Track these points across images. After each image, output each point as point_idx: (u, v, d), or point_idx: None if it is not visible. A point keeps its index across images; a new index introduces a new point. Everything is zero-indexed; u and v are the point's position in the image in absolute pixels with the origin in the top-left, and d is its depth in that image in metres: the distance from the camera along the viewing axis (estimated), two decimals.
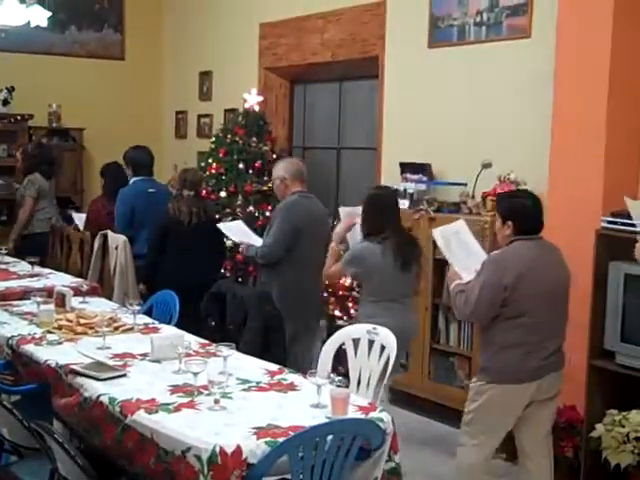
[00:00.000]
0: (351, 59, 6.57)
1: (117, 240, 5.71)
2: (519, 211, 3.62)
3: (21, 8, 5.59)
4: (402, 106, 6.03)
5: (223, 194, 6.42)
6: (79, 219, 6.50)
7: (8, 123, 7.48)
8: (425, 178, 5.50)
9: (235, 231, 5.15)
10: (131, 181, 6.06)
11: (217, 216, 5.86)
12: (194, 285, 4.98)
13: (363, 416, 2.82)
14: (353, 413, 2.82)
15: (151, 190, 5.98)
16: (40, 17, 5.75)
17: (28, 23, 5.81)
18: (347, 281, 5.96)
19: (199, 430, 2.67)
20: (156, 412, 2.86)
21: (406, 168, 5.60)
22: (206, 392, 3.01)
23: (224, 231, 5.16)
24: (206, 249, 5.24)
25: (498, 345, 3.56)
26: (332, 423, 2.68)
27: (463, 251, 3.80)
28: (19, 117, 7.51)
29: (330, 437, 2.58)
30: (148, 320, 4.31)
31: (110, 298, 5.30)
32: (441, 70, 5.68)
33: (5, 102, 7.52)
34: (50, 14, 5.92)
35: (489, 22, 5.32)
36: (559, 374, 3.67)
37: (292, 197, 4.90)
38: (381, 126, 6.25)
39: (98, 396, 3.07)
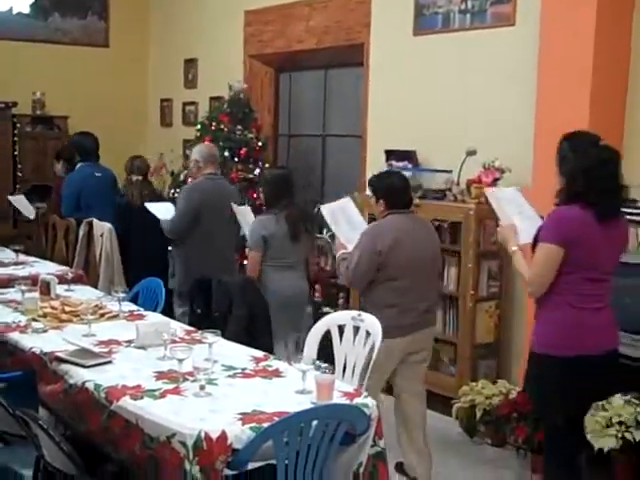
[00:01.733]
0: (336, 46, 6.57)
1: (102, 228, 5.71)
2: (389, 189, 4.10)
3: None
4: (387, 93, 6.04)
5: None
6: (18, 202, 6.72)
7: None
8: (410, 165, 5.51)
9: (161, 209, 5.41)
10: (77, 166, 6.47)
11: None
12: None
13: (348, 402, 2.83)
14: (338, 399, 2.84)
15: (97, 174, 6.40)
16: (22, 3, 5.71)
17: (10, 9, 5.77)
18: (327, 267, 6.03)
19: (184, 416, 2.68)
20: (141, 398, 2.87)
21: (391, 155, 5.61)
22: (191, 378, 3.02)
23: (152, 210, 5.37)
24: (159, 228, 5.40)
25: (378, 305, 3.97)
26: (317, 409, 2.69)
27: (348, 225, 4.24)
28: (3, 105, 7.46)
29: (315, 422, 2.59)
30: (133, 307, 4.32)
31: (96, 286, 5.31)
32: (426, 58, 5.69)
33: None
34: (33, 1, 5.88)
35: (474, 10, 5.33)
36: (430, 330, 4.17)
37: (198, 179, 5.30)
38: (366, 113, 6.25)
39: (83, 383, 3.07)
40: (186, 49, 8.12)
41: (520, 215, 3.56)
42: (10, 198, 6.96)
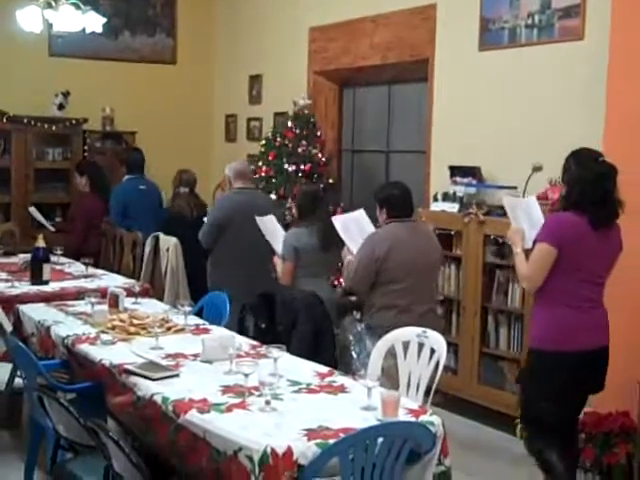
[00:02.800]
0: (400, 62, 6.57)
1: (168, 242, 5.80)
2: (389, 199, 4.44)
3: (77, 14, 5.69)
4: (452, 109, 6.01)
5: (273, 197, 6.47)
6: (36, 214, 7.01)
7: (63, 127, 7.62)
8: (474, 181, 5.48)
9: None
10: (125, 178, 6.88)
11: None
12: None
13: (413, 419, 2.82)
14: (404, 416, 2.83)
15: (142, 187, 6.83)
16: (95, 23, 5.85)
17: (83, 30, 5.92)
18: None
19: (250, 431, 2.70)
20: (208, 412, 2.90)
21: (455, 171, 5.58)
22: (257, 393, 3.04)
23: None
24: None
25: (376, 307, 4.33)
26: (383, 426, 2.69)
27: (360, 234, 4.49)
28: (74, 121, 7.65)
29: (381, 439, 2.59)
30: (199, 321, 4.36)
31: (161, 299, 5.39)
32: (492, 73, 5.65)
33: (61, 106, 7.67)
34: (105, 20, 6.02)
35: (540, 24, 5.28)
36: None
37: (227, 193, 5.78)
38: (430, 129, 6.24)
39: (151, 395, 3.12)
40: (251, 65, 8.22)
41: (530, 222, 3.87)
42: (30, 210, 7.18)
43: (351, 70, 7.18)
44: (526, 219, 3.90)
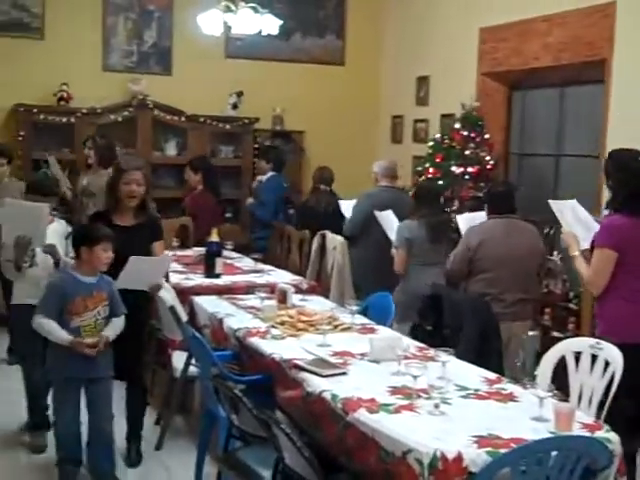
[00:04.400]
0: (574, 63, 6.35)
1: (335, 241, 5.88)
2: (491, 198, 4.96)
3: (255, 17, 5.88)
4: (631, 112, 5.75)
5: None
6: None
7: (236, 126, 7.89)
8: None
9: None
10: (270, 175, 7.26)
11: None
12: None
13: (589, 434, 2.73)
14: (578, 430, 2.75)
15: (285, 185, 7.42)
16: (271, 26, 6.02)
17: (260, 32, 6.11)
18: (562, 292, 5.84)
19: (419, 433, 2.71)
20: (377, 412, 2.93)
21: None
22: (425, 396, 3.04)
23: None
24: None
25: (471, 293, 4.75)
26: (558, 439, 2.62)
27: (577, 222, 4.36)
28: (246, 120, 7.90)
29: (554, 453, 2.52)
30: (365, 320, 4.40)
31: (327, 297, 5.47)
32: None
33: (234, 106, 7.94)
34: (281, 22, 6.19)
35: None
36: (525, 324, 4.75)
37: (373, 189, 6.15)
38: (605, 133, 5.99)
39: (321, 392, 3.18)
40: (418, 66, 8.19)
41: (579, 223, 4.11)
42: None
43: (522, 72, 7.01)
44: (575, 221, 4.12)
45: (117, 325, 3.91)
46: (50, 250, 4.32)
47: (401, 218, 5.51)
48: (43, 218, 4.34)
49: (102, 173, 6.19)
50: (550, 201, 4.47)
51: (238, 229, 7.73)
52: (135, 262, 3.94)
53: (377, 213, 5.70)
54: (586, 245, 3.97)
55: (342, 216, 6.26)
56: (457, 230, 5.31)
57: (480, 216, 5.10)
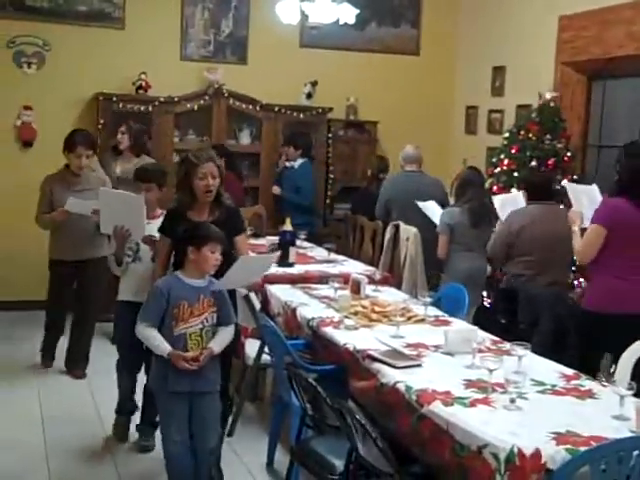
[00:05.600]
0: None
1: (409, 232, 5.86)
2: (529, 184, 5.29)
3: (332, 6, 5.87)
4: None
5: (514, 190, 6.33)
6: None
7: (310, 115, 7.89)
8: None
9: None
10: (300, 161, 7.29)
11: None
12: None
13: None
14: None
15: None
16: (349, 15, 6.00)
17: (337, 21, 6.10)
18: None
19: (495, 428, 2.68)
20: (452, 405, 2.91)
21: None
22: (501, 390, 3.01)
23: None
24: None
25: (510, 274, 5.07)
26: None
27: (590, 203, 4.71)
28: (320, 110, 7.90)
29: (636, 453, 2.47)
30: (439, 312, 4.38)
31: (399, 288, 5.46)
32: None
33: (309, 95, 7.93)
34: (358, 12, 6.16)
35: None
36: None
37: (396, 174, 6.76)
38: None
39: (395, 383, 3.18)
40: (494, 56, 8.06)
41: (590, 204, 4.43)
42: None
43: (602, 61, 6.84)
44: (589, 204, 4.47)
45: (225, 336, 3.64)
46: (147, 240, 4.24)
47: (425, 198, 6.08)
48: (140, 208, 4.26)
49: (132, 160, 6.20)
50: (566, 183, 5.09)
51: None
52: (243, 262, 3.77)
53: (421, 204, 6.03)
54: (587, 223, 4.38)
55: None
56: (496, 214, 5.55)
57: (514, 197, 5.49)
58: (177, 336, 3.51)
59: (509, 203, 5.40)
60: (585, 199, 4.59)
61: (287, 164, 7.38)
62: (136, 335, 3.62)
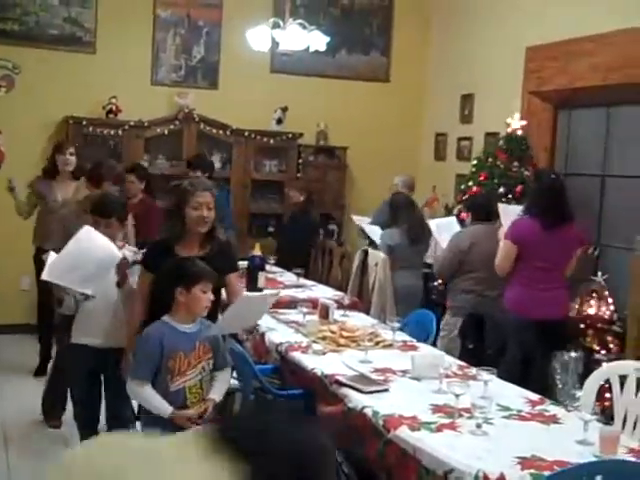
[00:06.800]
0: (622, 84, 6.29)
1: (377, 257, 5.89)
2: (472, 206, 5.68)
3: (303, 33, 5.93)
4: None
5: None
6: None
7: (280, 141, 7.93)
8: None
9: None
10: None
11: None
12: None
13: (634, 459, 2.70)
14: (623, 455, 2.72)
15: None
16: (319, 42, 6.07)
17: (307, 48, 6.15)
18: (606, 313, 5.77)
19: (461, 453, 2.70)
20: (418, 430, 2.93)
21: None
22: (467, 415, 3.03)
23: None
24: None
25: (458, 291, 5.35)
26: (602, 463, 2.60)
27: (449, 234, 5.57)
28: (290, 135, 7.95)
29: (599, 477, 2.49)
30: (406, 337, 4.40)
31: (367, 313, 5.48)
32: None
33: (279, 121, 7.98)
34: (329, 39, 6.23)
35: None
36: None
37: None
38: None
39: (362, 408, 3.19)
40: (463, 84, 8.17)
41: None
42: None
43: (568, 91, 6.97)
44: (508, 222, 5.05)
45: (224, 382, 3.36)
46: (123, 265, 3.72)
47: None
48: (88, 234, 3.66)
49: (70, 184, 5.73)
50: (499, 204, 5.50)
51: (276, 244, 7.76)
52: (242, 302, 3.53)
53: (364, 225, 6.59)
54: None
55: None
56: (430, 231, 6.00)
57: (449, 221, 5.94)
58: (175, 391, 3.17)
59: (444, 227, 5.79)
60: (512, 218, 5.03)
61: None
62: (92, 388, 3.44)
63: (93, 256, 3.61)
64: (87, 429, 3.82)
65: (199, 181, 3.75)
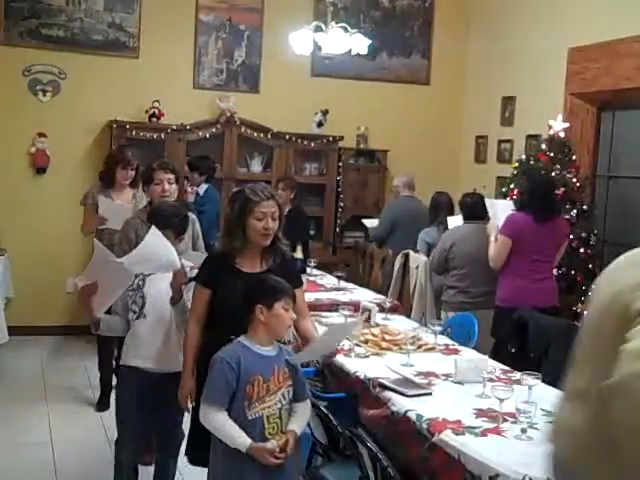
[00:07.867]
0: None
1: (418, 260, 5.88)
2: (462, 206, 5.88)
3: (345, 37, 5.95)
4: None
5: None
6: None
7: (321, 144, 7.96)
8: None
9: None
10: (205, 186, 6.87)
11: None
12: None
13: None
14: None
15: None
16: (361, 45, 6.07)
17: (349, 51, 6.17)
18: None
19: (507, 458, 2.69)
20: (463, 434, 2.92)
21: None
22: (511, 419, 3.02)
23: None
24: None
25: (447, 286, 5.63)
26: None
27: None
28: (331, 138, 7.97)
29: None
30: (448, 341, 4.39)
31: (408, 316, 5.47)
32: None
33: (319, 124, 8.01)
34: (370, 42, 6.23)
35: None
36: (488, 312, 5.26)
37: (397, 199, 7.23)
38: None
39: (405, 411, 3.19)
40: (504, 87, 8.13)
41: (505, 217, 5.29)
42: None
43: (612, 92, 6.89)
44: (503, 216, 5.26)
45: (304, 415, 3.01)
46: (180, 275, 3.44)
47: (419, 221, 6.55)
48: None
49: (128, 192, 5.68)
50: (486, 199, 5.74)
51: (321, 246, 7.80)
52: (330, 333, 3.39)
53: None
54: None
55: None
56: None
57: (458, 219, 6.02)
58: (252, 420, 2.85)
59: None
60: (500, 213, 5.33)
61: (189, 189, 6.78)
62: (141, 412, 3.29)
63: (159, 253, 3.39)
64: (125, 454, 3.67)
65: (262, 187, 3.32)
